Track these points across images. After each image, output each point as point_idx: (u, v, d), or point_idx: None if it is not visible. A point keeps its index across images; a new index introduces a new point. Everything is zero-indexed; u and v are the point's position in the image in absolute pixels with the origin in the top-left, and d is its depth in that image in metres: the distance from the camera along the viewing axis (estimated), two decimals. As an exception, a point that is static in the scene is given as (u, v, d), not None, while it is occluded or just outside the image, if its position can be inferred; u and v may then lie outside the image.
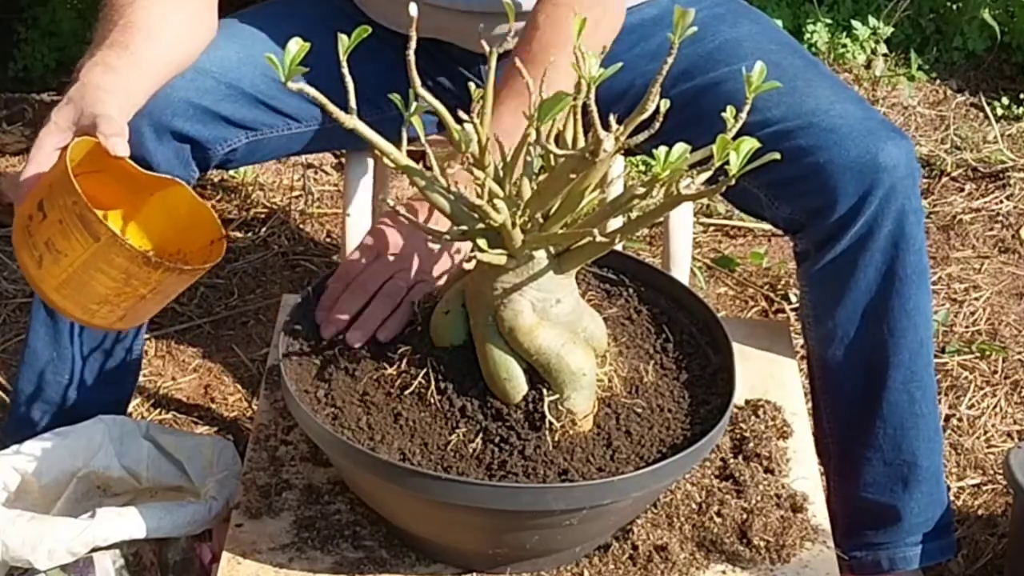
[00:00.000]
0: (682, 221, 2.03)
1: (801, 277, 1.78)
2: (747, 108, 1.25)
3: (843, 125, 1.64)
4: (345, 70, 1.31)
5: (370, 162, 2.03)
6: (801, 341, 2.32)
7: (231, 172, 2.96)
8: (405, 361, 1.45)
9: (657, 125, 1.24)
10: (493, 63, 1.33)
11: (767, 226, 2.63)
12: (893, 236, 1.66)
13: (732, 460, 1.57)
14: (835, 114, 1.67)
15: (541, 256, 1.37)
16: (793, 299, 2.66)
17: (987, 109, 3.27)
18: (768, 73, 1.24)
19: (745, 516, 1.51)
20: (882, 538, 1.85)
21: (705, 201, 2.86)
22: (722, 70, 1.76)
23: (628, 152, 1.71)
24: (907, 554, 1.85)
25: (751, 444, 1.59)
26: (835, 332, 1.75)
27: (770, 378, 1.74)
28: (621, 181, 2.32)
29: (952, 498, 2.23)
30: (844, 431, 1.82)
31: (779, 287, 2.72)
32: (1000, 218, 2.93)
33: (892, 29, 3.40)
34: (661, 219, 2.31)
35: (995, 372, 2.50)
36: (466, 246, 1.54)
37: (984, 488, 2.27)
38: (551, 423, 1.39)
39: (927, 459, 1.81)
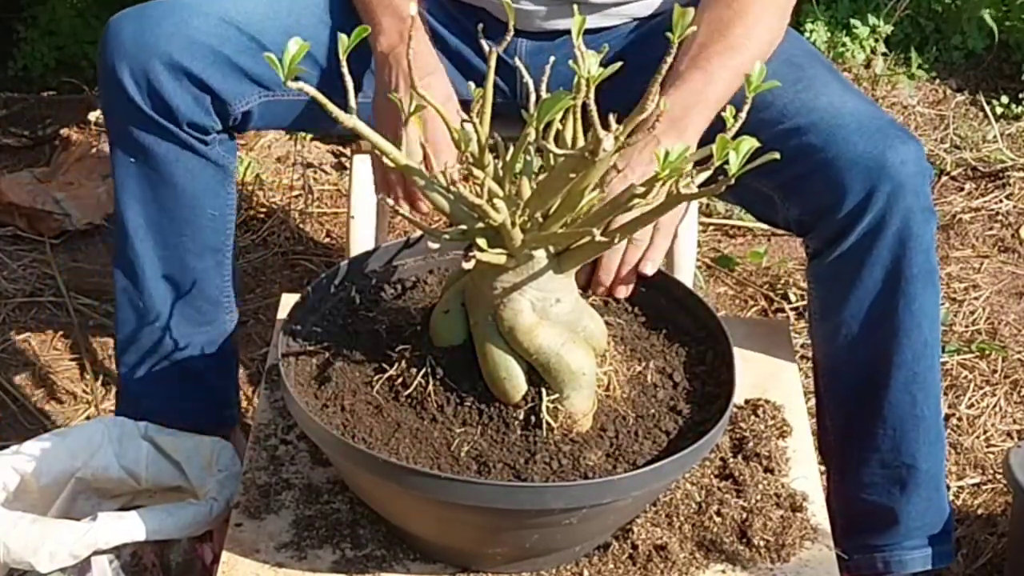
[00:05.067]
0: (687, 223, 2.02)
1: (809, 274, 1.78)
2: (747, 107, 1.25)
3: (852, 121, 1.65)
4: (344, 69, 1.30)
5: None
6: (801, 341, 2.32)
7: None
8: (405, 361, 1.45)
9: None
10: (492, 63, 1.33)
11: (766, 225, 2.63)
12: (900, 234, 1.66)
13: (732, 460, 1.57)
14: (845, 112, 1.67)
15: (541, 255, 1.37)
16: (793, 298, 2.66)
17: (987, 108, 3.27)
18: (790, 75, 1.27)
19: (745, 516, 1.51)
20: (879, 540, 1.84)
21: (705, 200, 2.85)
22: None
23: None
24: (903, 558, 1.84)
25: (751, 444, 1.59)
26: (839, 329, 1.74)
27: (770, 378, 1.74)
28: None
29: (952, 498, 2.23)
30: (844, 430, 1.82)
31: (779, 286, 2.71)
32: (1000, 217, 2.93)
33: (891, 28, 3.39)
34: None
35: (995, 371, 2.50)
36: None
37: (984, 488, 2.27)
38: (550, 423, 1.39)
39: (927, 462, 1.80)
